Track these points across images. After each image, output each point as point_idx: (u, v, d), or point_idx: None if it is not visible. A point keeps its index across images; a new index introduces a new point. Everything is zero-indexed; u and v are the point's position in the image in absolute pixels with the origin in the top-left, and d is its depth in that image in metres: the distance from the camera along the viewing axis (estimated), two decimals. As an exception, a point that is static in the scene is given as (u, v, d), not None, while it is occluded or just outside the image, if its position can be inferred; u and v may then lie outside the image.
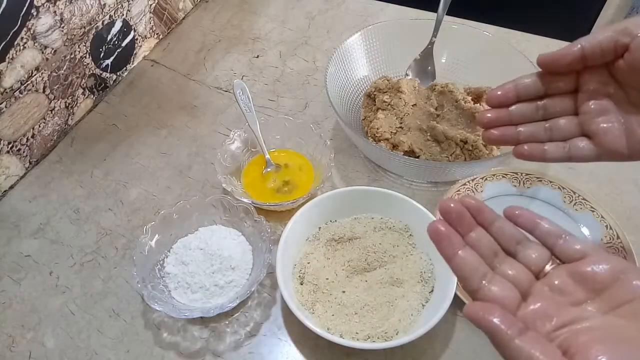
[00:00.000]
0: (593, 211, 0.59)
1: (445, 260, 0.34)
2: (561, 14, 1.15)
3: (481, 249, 0.34)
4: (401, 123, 0.66)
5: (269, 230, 0.55)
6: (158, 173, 0.67)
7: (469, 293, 0.34)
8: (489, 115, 0.42)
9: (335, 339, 0.47)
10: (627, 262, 0.34)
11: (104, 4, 0.71)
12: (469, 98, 0.66)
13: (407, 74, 0.72)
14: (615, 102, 0.39)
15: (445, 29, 0.73)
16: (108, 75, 0.77)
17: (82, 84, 0.72)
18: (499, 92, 0.42)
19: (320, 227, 0.58)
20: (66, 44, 0.67)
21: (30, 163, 0.68)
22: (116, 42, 0.76)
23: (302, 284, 0.54)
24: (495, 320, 0.30)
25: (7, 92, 0.61)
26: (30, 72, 0.63)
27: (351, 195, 0.58)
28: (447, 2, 0.67)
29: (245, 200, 0.58)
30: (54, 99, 0.68)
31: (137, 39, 0.81)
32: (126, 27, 0.77)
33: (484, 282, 0.33)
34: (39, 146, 0.68)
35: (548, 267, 0.34)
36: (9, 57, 0.59)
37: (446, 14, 0.68)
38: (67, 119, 0.72)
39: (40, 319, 0.54)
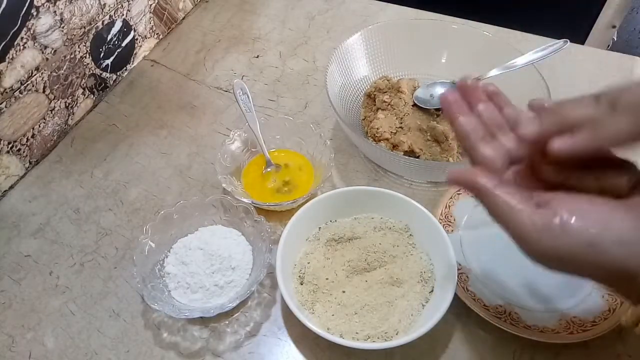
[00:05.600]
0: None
1: (450, 122, 0.37)
2: (561, 14, 1.15)
3: (486, 118, 0.36)
4: (401, 123, 0.66)
5: (269, 230, 0.55)
6: (158, 173, 0.67)
7: (466, 150, 0.36)
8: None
9: (335, 339, 0.47)
10: None
11: (104, 4, 0.71)
12: (469, 98, 0.65)
13: None
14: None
15: (445, 29, 0.73)
16: (108, 75, 0.77)
17: (82, 84, 0.72)
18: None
19: (320, 227, 0.58)
20: (66, 44, 0.67)
21: (30, 163, 0.68)
22: (116, 42, 0.76)
23: (302, 284, 0.54)
24: (479, 179, 0.33)
25: (7, 92, 0.61)
26: (30, 72, 0.63)
27: (351, 195, 0.58)
28: None
29: (245, 200, 0.58)
30: (54, 99, 0.68)
31: (137, 39, 0.81)
32: (126, 27, 0.77)
33: (481, 142, 0.35)
34: (39, 146, 0.68)
35: None
36: (9, 57, 0.59)
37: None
38: (67, 119, 0.72)
39: (40, 319, 0.54)
